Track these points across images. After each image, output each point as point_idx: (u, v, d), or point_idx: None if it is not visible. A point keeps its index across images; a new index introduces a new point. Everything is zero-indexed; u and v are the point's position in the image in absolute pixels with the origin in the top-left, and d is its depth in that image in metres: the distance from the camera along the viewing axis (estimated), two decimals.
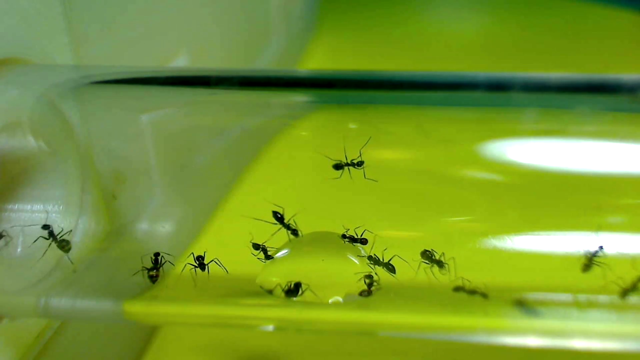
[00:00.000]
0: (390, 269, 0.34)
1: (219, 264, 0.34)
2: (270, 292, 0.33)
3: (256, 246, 0.35)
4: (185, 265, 0.35)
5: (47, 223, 0.34)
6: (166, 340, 0.50)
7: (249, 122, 0.39)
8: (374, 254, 0.34)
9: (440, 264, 0.33)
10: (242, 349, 0.49)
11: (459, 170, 0.36)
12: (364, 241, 0.34)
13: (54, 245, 0.35)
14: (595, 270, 0.32)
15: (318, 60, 0.98)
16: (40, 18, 0.35)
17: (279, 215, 0.35)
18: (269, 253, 0.35)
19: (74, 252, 0.36)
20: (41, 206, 0.35)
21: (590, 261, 0.32)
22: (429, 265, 0.33)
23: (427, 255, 0.33)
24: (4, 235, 0.33)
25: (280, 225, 0.35)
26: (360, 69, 0.34)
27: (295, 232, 0.35)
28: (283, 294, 0.33)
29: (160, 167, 0.40)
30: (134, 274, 0.34)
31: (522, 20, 1.13)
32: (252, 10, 0.76)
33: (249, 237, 0.35)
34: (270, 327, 0.36)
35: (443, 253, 0.33)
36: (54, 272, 0.35)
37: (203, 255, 0.34)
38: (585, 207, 0.35)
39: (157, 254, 0.35)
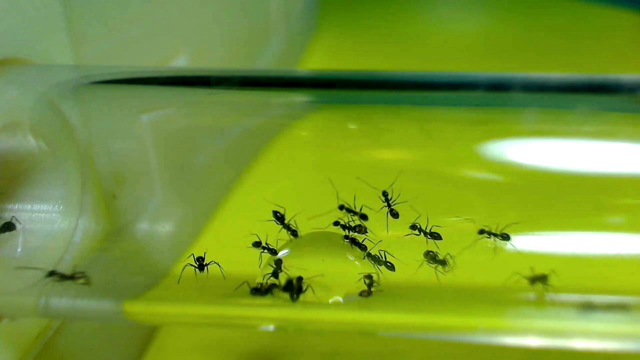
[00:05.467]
0: (390, 267, 0.34)
1: (219, 266, 0.34)
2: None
3: (257, 244, 0.35)
4: (186, 265, 0.35)
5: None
6: (166, 340, 0.50)
7: (249, 122, 0.39)
8: (374, 252, 0.34)
9: (443, 263, 0.33)
10: (242, 349, 0.49)
11: (459, 170, 0.36)
12: (363, 247, 0.34)
13: (54, 245, 0.35)
14: (598, 270, 0.32)
15: (318, 60, 0.98)
16: (40, 18, 0.35)
17: (279, 215, 0.35)
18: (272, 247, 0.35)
19: (74, 252, 0.36)
20: (41, 206, 0.35)
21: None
22: (433, 266, 0.33)
23: (431, 256, 0.33)
24: (11, 225, 0.33)
25: (281, 225, 0.35)
26: (360, 69, 0.34)
27: (294, 233, 0.35)
28: (285, 295, 0.33)
29: (160, 167, 0.40)
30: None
31: (522, 20, 1.13)
32: (252, 10, 0.76)
33: (248, 237, 0.35)
34: (270, 327, 0.36)
35: (448, 253, 0.33)
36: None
37: (203, 256, 0.34)
38: (585, 207, 0.35)
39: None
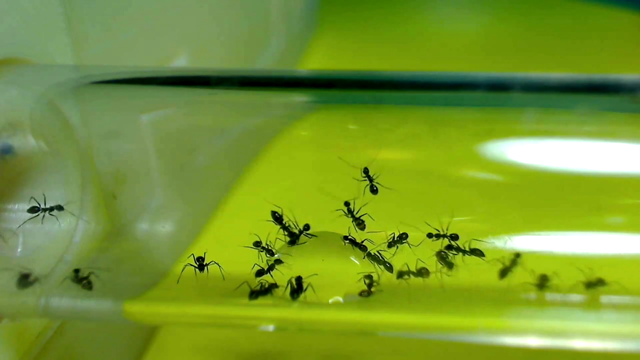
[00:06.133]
0: (388, 267, 0.34)
1: (219, 266, 0.34)
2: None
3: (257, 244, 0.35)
4: (186, 265, 0.35)
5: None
6: (166, 340, 0.50)
7: (249, 122, 0.39)
8: (373, 252, 0.34)
9: (450, 265, 0.33)
10: (242, 349, 0.49)
11: (459, 170, 0.36)
12: (363, 248, 0.34)
13: (54, 245, 0.35)
14: (597, 271, 0.32)
15: (318, 60, 0.98)
16: (40, 18, 0.35)
17: (277, 216, 0.35)
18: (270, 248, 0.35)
19: (74, 252, 0.36)
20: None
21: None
22: (441, 266, 0.33)
23: (442, 257, 0.33)
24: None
25: (279, 226, 0.35)
26: (360, 69, 0.34)
27: (292, 234, 0.35)
28: (286, 294, 0.33)
29: (160, 167, 0.40)
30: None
31: (522, 20, 1.13)
32: (252, 10, 0.76)
33: (249, 237, 0.35)
34: (270, 327, 0.36)
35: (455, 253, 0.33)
36: (54, 272, 0.35)
37: (203, 256, 0.34)
38: (585, 207, 0.35)
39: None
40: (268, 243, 0.35)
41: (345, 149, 0.37)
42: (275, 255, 0.34)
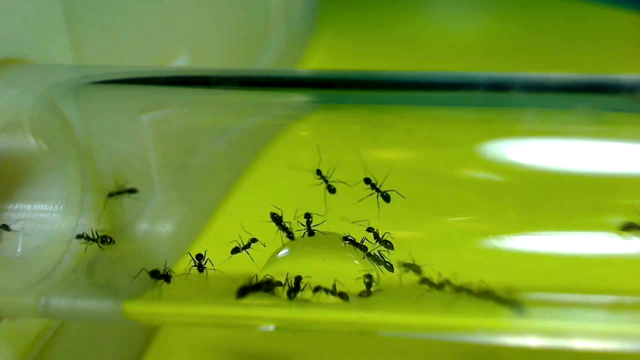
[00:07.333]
0: (389, 267, 0.34)
1: (212, 265, 0.34)
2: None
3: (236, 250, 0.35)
4: (190, 261, 0.35)
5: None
6: (166, 340, 0.50)
7: (249, 122, 0.39)
8: (373, 252, 0.34)
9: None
10: (242, 349, 0.49)
11: (459, 170, 0.36)
12: (364, 248, 0.34)
13: (54, 245, 0.35)
14: (597, 271, 0.32)
15: (318, 60, 0.98)
16: (40, 18, 0.35)
17: (276, 217, 0.35)
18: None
19: (74, 252, 0.36)
20: (41, 206, 0.35)
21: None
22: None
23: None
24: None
25: (278, 227, 0.35)
26: (360, 69, 0.34)
27: (290, 235, 0.35)
28: (285, 294, 0.33)
29: (160, 167, 0.40)
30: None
31: (522, 20, 1.13)
32: (252, 10, 0.76)
33: (248, 237, 0.35)
34: (271, 327, 0.36)
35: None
36: (54, 272, 0.35)
37: (203, 254, 0.34)
38: (585, 207, 0.35)
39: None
40: (242, 241, 0.35)
41: (345, 149, 0.37)
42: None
